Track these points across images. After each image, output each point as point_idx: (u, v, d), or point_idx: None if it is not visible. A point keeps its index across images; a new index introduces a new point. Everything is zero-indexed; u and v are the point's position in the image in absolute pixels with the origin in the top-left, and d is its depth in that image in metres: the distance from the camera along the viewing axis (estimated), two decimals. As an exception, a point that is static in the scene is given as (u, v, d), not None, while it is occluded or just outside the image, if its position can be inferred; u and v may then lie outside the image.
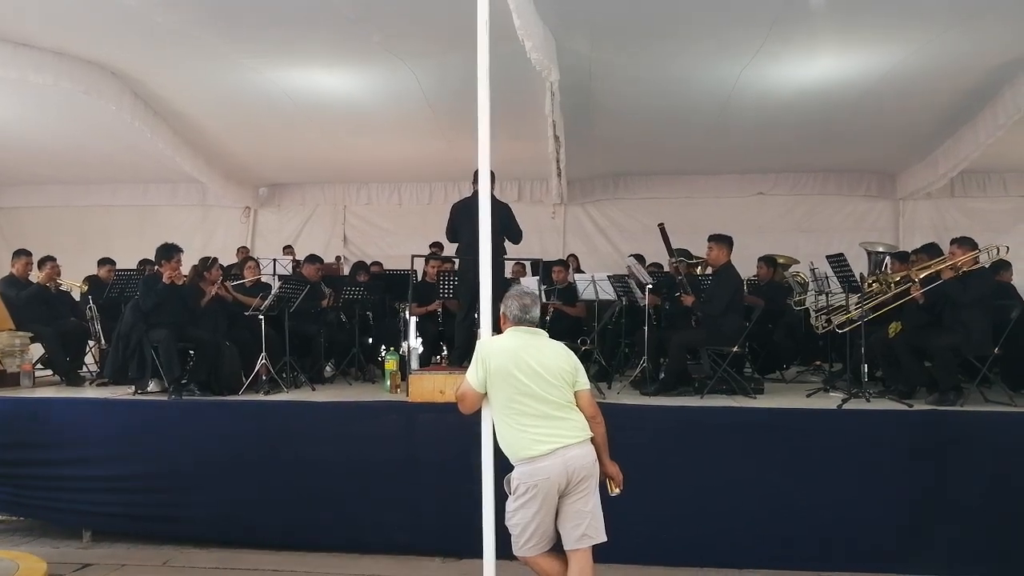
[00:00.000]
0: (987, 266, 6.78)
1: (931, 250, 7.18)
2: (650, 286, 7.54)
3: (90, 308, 8.44)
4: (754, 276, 9.28)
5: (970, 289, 6.33)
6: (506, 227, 6.95)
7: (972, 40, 6.74)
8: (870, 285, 7.09)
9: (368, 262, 10.60)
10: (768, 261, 9.17)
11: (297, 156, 10.92)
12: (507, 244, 7.18)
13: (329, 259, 11.12)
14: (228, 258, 10.29)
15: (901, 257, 7.96)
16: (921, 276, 6.61)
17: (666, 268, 8.55)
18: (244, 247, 11.63)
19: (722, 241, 7.11)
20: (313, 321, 8.40)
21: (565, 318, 8.49)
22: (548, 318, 7.83)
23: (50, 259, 8.32)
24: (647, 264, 8.85)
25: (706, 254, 7.37)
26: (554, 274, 8.81)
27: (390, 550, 6.14)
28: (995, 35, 6.67)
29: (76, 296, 8.95)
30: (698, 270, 8.31)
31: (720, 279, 7.12)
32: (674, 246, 7.86)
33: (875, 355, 7.03)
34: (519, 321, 4.08)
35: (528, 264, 9.60)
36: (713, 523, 5.82)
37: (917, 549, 5.64)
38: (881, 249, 7.20)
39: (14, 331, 7.74)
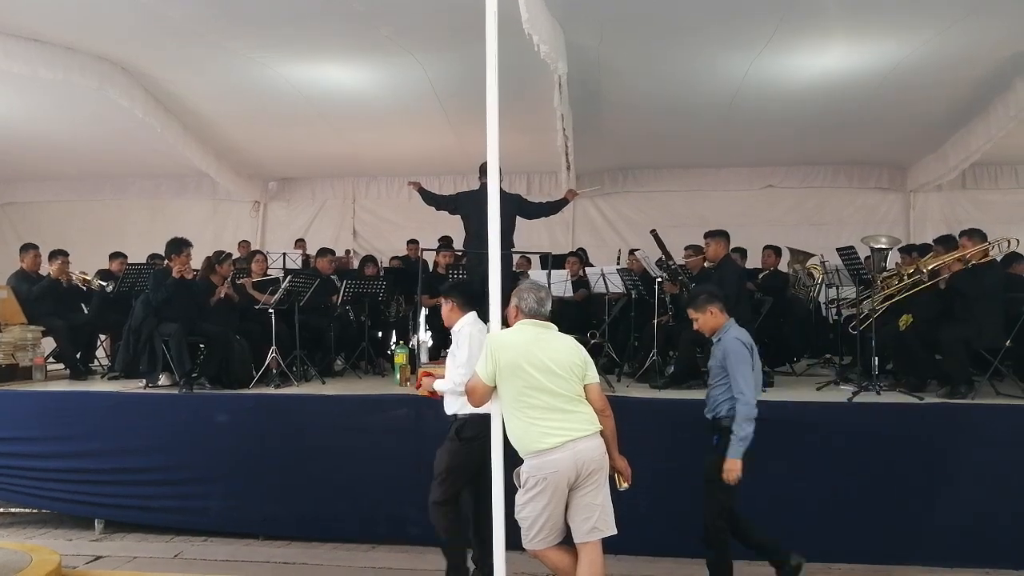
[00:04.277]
0: (998, 259, 6.74)
1: (947, 242, 7.07)
2: (659, 280, 7.54)
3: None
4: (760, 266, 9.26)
5: (981, 282, 6.29)
6: (519, 214, 7.15)
7: (983, 31, 6.69)
8: (884, 281, 7.05)
9: (377, 256, 10.62)
10: (775, 249, 9.14)
11: (306, 150, 10.94)
12: (515, 237, 7.20)
13: (339, 253, 11.13)
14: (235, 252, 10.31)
15: (907, 251, 7.91)
16: (930, 267, 6.57)
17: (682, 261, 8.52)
18: (246, 241, 11.63)
19: (719, 236, 7.13)
20: (323, 314, 8.42)
21: (573, 311, 8.47)
22: (556, 311, 7.82)
23: (61, 253, 8.23)
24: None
25: (704, 251, 7.39)
26: (567, 265, 8.81)
27: (401, 542, 6.17)
28: (1006, 26, 6.63)
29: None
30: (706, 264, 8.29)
31: (722, 272, 7.11)
32: (684, 240, 7.84)
33: (886, 348, 7.01)
34: (534, 314, 4.08)
35: (536, 258, 9.57)
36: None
37: (926, 542, 5.64)
38: (884, 243, 7.13)
39: (26, 325, 7.82)
